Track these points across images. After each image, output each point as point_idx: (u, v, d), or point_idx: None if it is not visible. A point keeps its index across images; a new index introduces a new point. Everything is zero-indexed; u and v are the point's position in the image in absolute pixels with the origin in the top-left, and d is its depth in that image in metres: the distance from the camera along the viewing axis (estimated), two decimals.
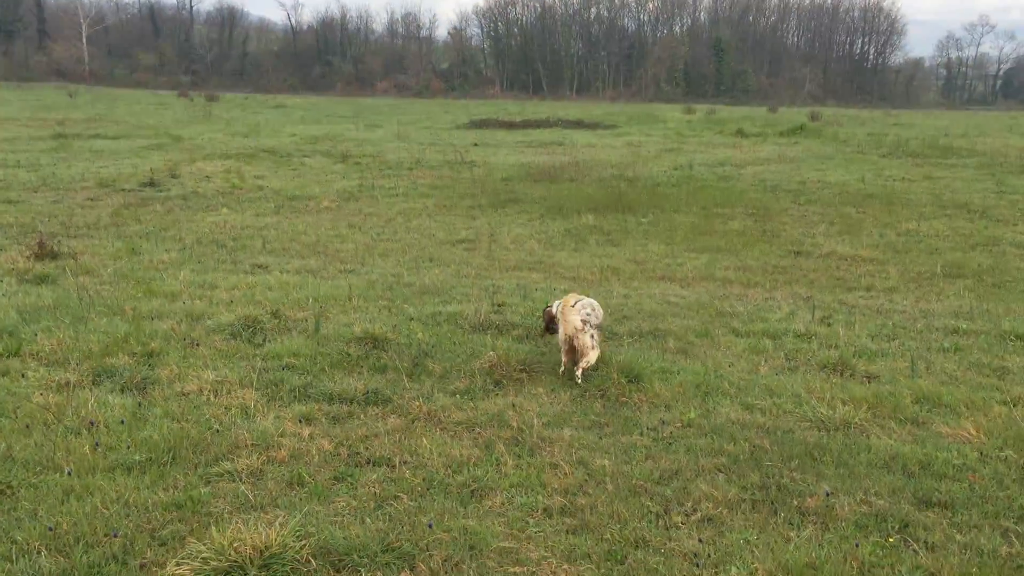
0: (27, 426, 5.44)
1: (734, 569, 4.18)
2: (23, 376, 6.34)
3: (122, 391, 6.18)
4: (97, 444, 5.16)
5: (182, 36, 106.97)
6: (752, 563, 4.21)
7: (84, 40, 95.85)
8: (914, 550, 4.39)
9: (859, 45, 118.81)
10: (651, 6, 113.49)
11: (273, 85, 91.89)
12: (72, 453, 5.05)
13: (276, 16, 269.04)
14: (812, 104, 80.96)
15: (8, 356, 6.78)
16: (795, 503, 4.84)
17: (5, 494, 4.57)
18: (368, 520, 4.45)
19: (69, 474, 4.78)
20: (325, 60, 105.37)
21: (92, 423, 5.48)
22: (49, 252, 10.67)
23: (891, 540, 4.47)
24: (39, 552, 3.99)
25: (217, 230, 14.00)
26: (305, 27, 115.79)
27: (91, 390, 6.14)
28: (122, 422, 5.54)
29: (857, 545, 4.39)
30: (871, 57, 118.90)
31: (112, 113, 42.58)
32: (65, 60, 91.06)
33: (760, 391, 6.72)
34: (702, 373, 7.05)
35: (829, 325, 8.95)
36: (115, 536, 4.13)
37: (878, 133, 37.37)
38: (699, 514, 4.69)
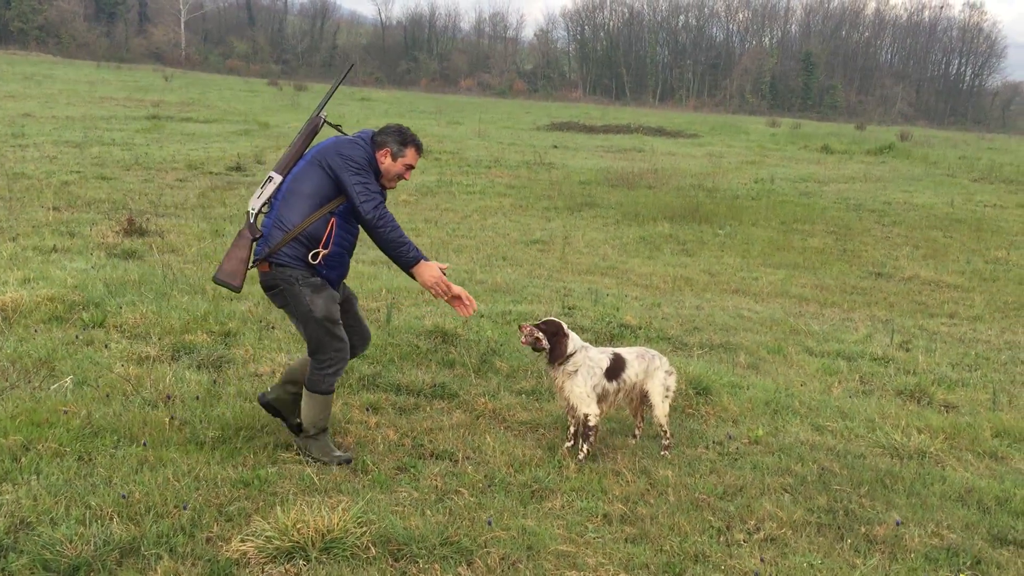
0: (107, 395, 5.62)
1: None
2: (106, 347, 6.56)
3: (198, 368, 6.34)
4: (172, 418, 5.30)
5: (275, 26, 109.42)
6: None
7: (182, 25, 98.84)
8: None
9: (955, 65, 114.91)
10: (741, 16, 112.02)
11: (359, 78, 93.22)
12: (148, 425, 5.20)
13: (367, 10, 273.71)
14: (902, 124, 78.68)
15: (94, 326, 7.02)
16: (863, 530, 4.71)
17: (83, 460, 4.72)
18: (428, 512, 4.48)
19: (144, 445, 4.91)
20: (412, 56, 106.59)
21: (169, 397, 5.65)
22: (137, 229, 11.03)
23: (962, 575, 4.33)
24: (111, 518, 4.11)
25: None
26: (394, 22, 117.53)
27: (170, 365, 6.32)
28: (197, 398, 5.69)
29: None
30: (967, 79, 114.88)
31: (204, 98, 43.72)
32: (163, 44, 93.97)
33: (832, 413, 6.58)
34: (772, 390, 6.93)
35: (908, 351, 8.71)
36: (184, 508, 4.23)
37: (970, 156, 36.12)
38: (762, 533, 4.60)
